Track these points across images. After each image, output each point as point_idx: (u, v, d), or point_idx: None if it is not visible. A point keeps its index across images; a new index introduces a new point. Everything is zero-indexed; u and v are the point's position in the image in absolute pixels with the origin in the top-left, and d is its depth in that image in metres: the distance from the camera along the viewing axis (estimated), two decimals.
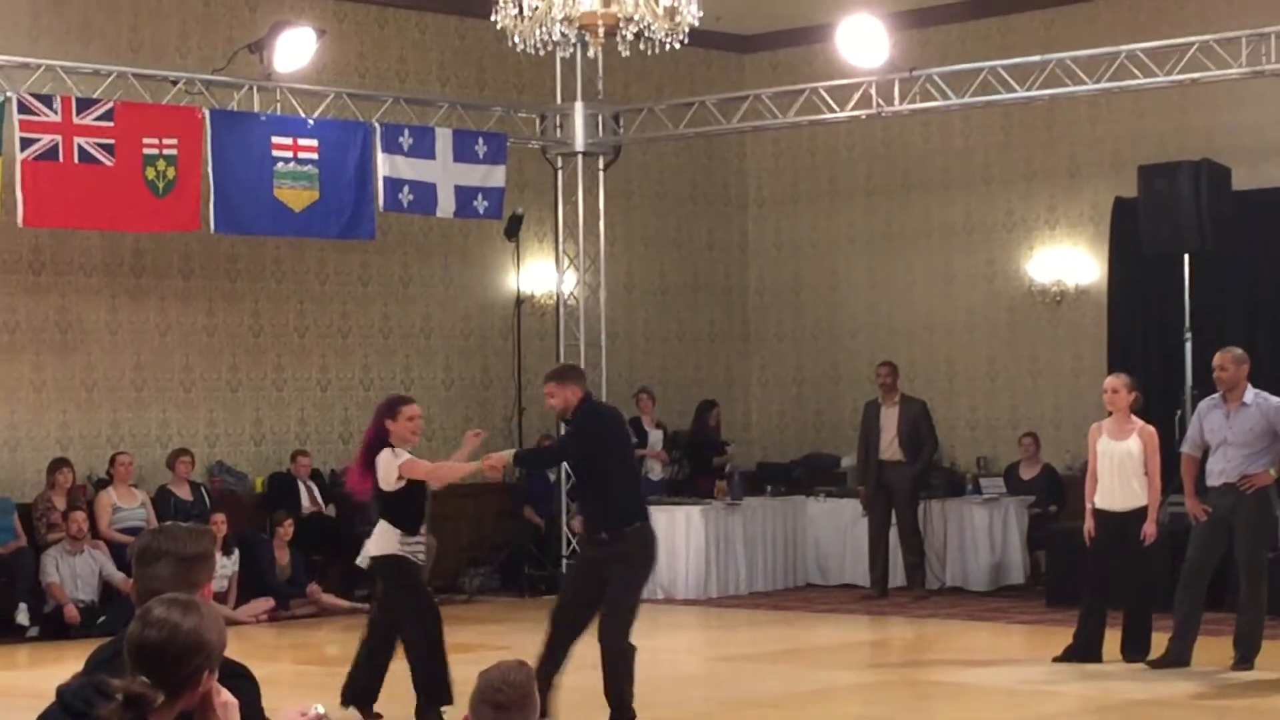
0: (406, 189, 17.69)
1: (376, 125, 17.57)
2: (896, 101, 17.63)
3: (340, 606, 17.56)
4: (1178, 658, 13.24)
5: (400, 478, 11.23)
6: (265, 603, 17.19)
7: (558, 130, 19.31)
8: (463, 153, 18.06)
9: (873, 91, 17.69)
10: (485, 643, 14.97)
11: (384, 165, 17.50)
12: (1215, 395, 13.41)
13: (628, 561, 11.12)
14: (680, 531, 18.27)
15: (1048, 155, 20.05)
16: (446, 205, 18.02)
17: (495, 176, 18.31)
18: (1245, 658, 13.12)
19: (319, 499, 18.39)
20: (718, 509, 18.54)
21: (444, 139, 17.98)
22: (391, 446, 11.28)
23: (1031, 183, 20.18)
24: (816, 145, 21.58)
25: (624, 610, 11.15)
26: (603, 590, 11.13)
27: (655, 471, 19.75)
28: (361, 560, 11.85)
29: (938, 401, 19.49)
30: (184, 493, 17.49)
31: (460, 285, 20.05)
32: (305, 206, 17.08)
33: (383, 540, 11.36)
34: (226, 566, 16.88)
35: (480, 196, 18.22)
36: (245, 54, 16.95)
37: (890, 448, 18.13)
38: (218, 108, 16.69)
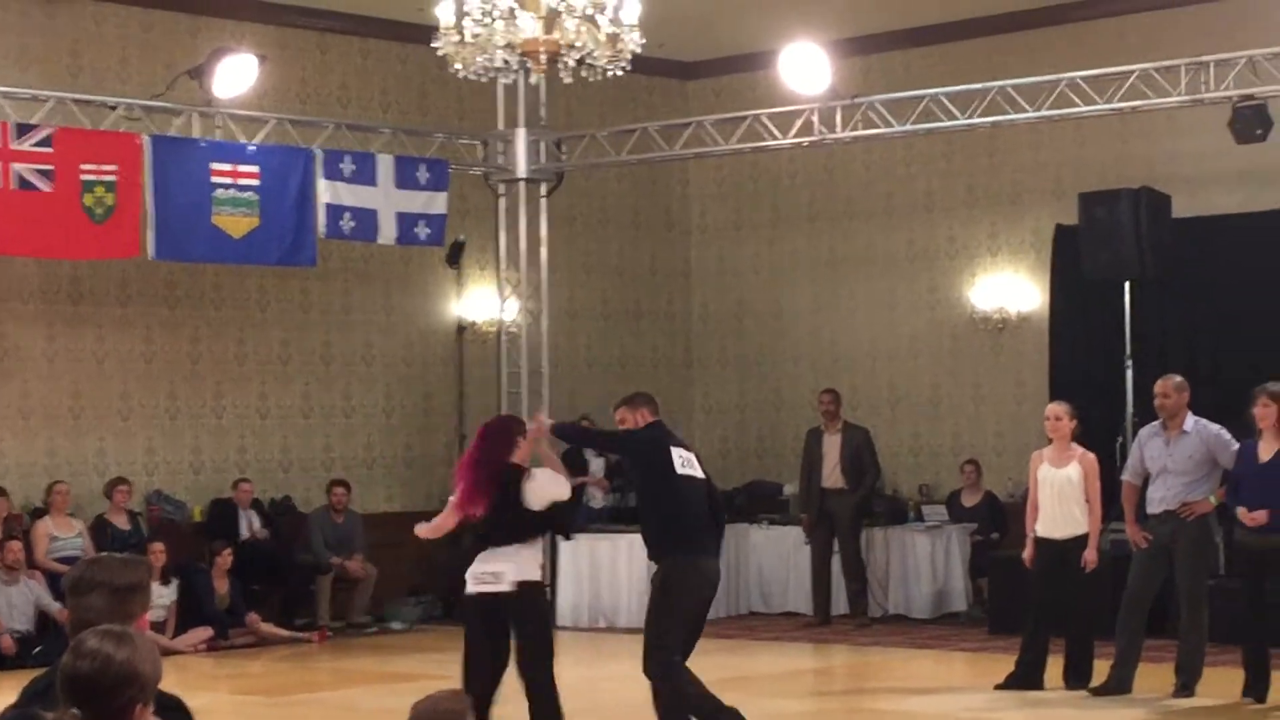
0: (348, 215, 17.62)
1: (318, 151, 17.50)
2: (839, 129, 17.66)
3: (280, 636, 17.45)
4: (1119, 685, 13.25)
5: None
6: (204, 632, 17.05)
7: (500, 156, 19.28)
8: (404, 179, 18.00)
9: (815, 119, 17.71)
10: (427, 672, 14.89)
11: (325, 192, 17.43)
12: (1156, 423, 13.45)
13: (652, 593, 11.00)
14: (622, 559, 18.23)
15: (989, 182, 20.11)
16: (388, 232, 17.96)
17: (437, 203, 18.25)
18: (1186, 685, 13.13)
19: (259, 527, 18.28)
20: None
21: (386, 165, 17.93)
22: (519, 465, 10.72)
23: (973, 210, 20.24)
24: (759, 172, 21.60)
25: (645, 641, 10.90)
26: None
27: (596, 499, 19.69)
28: (496, 586, 10.63)
29: (880, 428, 19.51)
30: (122, 522, 17.35)
31: (402, 312, 19.98)
32: (245, 233, 16.99)
33: (527, 564, 10.65)
34: (165, 596, 16.75)
35: (422, 223, 18.16)
36: (185, 80, 16.85)
37: (833, 475, 18.13)
38: (157, 134, 16.60)
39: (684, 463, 10.92)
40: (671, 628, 10.80)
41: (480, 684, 10.46)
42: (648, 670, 10.80)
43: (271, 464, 19.03)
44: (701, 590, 10.91)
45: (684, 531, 10.88)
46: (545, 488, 10.65)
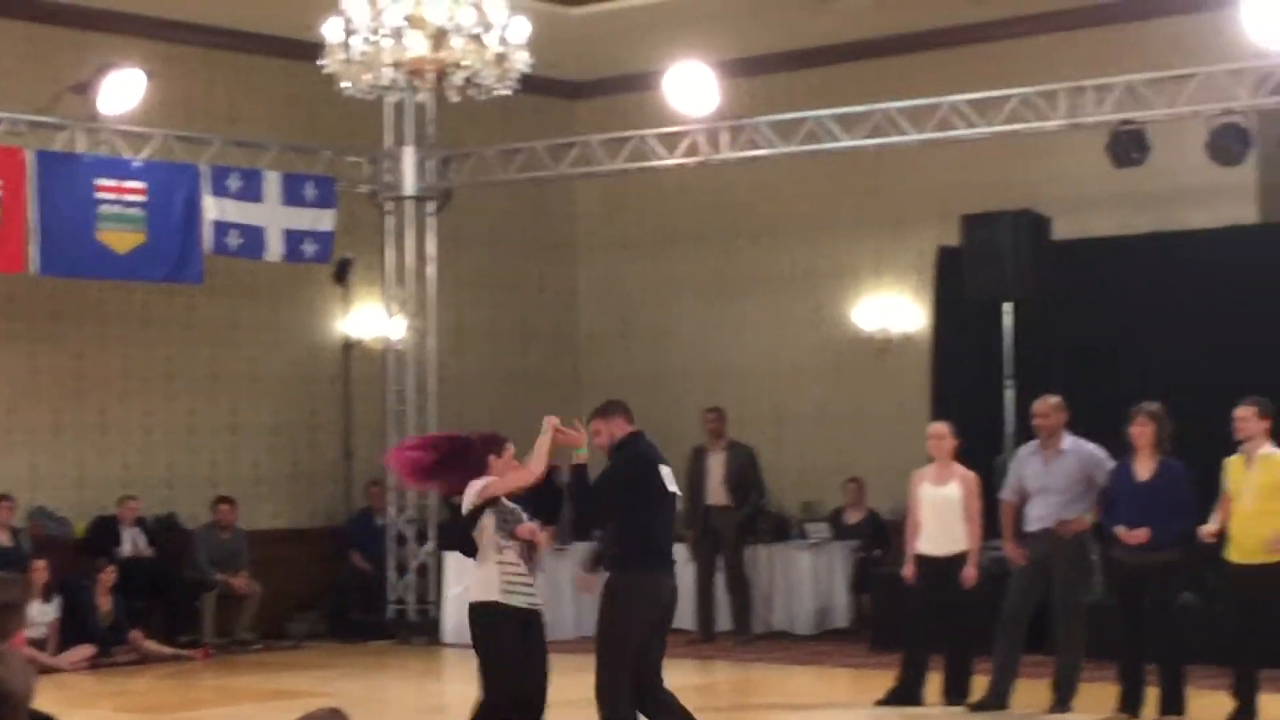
0: (234, 232, 17.60)
1: (204, 168, 17.47)
2: (725, 149, 17.81)
3: (163, 653, 17.36)
4: (997, 700, 13.42)
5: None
6: (86, 650, 16.94)
7: (387, 174, 19.30)
8: (291, 196, 18.00)
9: (701, 139, 17.85)
10: (312, 690, 14.89)
11: (212, 208, 17.41)
12: (1034, 442, 13.64)
13: (607, 610, 10.40)
14: None
15: (874, 204, 20.30)
16: (275, 249, 17.95)
17: (324, 220, 18.26)
18: (1063, 700, 13.32)
19: (143, 544, 18.19)
20: (545, 555, 18.47)
21: (272, 182, 17.92)
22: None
23: (858, 230, 20.41)
24: (646, 192, 21.68)
25: (598, 682, 10.29)
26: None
27: None
28: (530, 602, 10.41)
29: (765, 447, 19.63)
30: (3, 538, 17.22)
31: (288, 329, 19.93)
32: (131, 249, 16.94)
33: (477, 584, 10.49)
34: (47, 613, 16.65)
35: (309, 240, 18.17)
36: (71, 95, 16.78)
37: (717, 492, 18.24)
38: (42, 149, 16.52)
39: (669, 479, 10.83)
40: (625, 659, 10.24)
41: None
42: (605, 708, 10.26)
43: (156, 480, 18.94)
44: (661, 598, 10.44)
45: (657, 547, 10.54)
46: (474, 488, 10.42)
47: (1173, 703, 12.91)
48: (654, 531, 10.53)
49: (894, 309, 20.09)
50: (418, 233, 19.27)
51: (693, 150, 17.97)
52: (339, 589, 19.41)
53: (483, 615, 10.39)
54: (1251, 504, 12.48)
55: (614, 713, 10.23)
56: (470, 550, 10.44)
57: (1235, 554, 12.62)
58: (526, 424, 22.03)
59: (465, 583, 10.37)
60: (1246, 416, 12.61)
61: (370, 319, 20.04)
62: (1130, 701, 13.02)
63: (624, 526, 10.54)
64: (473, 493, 10.43)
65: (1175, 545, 12.91)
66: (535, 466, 10.47)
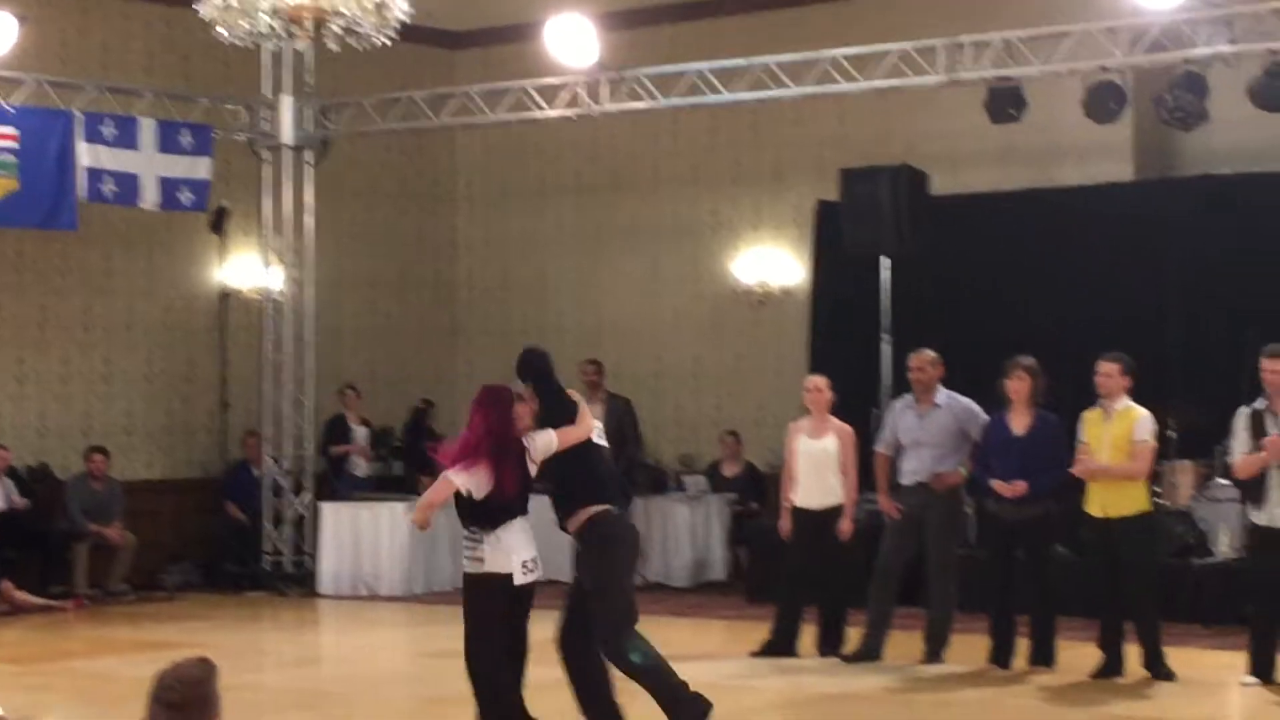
0: (109, 179, 17.41)
1: (78, 114, 17.25)
2: (604, 101, 17.77)
3: (34, 604, 17.20)
4: (870, 652, 13.53)
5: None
6: None
7: (265, 123, 19.14)
8: (167, 144, 17.82)
9: (581, 91, 17.81)
10: (185, 640, 14.79)
11: (86, 155, 17.20)
12: (908, 395, 13.74)
13: (597, 556, 10.33)
14: (385, 528, 18.22)
15: (753, 158, 20.35)
16: (150, 196, 17.77)
17: (200, 168, 18.09)
18: (935, 652, 13.45)
19: (15, 495, 18.00)
20: None
21: (148, 129, 17.73)
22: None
23: (737, 184, 20.46)
24: (526, 143, 21.64)
25: (604, 617, 10.20)
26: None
27: (361, 468, 19.67)
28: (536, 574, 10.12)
29: (643, 399, 19.66)
30: None
31: (164, 278, 19.76)
32: (3, 195, 16.73)
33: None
34: None
35: (185, 188, 18.00)
36: None
37: None
38: None
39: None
40: (628, 591, 10.22)
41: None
42: (608, 651, 10.18)
43: (28, 430, 18.74)
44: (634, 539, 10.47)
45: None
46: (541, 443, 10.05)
47: (1043, 655, 13.08)
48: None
49: (772, 262, 20.16)
50: (295, 182, 19.13)
51: (573, 102, 17.93)
52: (214, 540, 19.31)
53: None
54: (1108, 457, 12.62)
55: (623, 618, 10.13)
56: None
57: (1094, 508, 12.76)
58: (405, 375, 22.09)
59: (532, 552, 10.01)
60: (1110, 373, 12.74)
61: (247, 269, 19.89)
62: (1001, 653, 13.17)
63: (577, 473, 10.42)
64: (545, 446, 10.05)
65: (1049, 498, 13.06)
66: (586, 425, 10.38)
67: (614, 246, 21.25)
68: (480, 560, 9.81)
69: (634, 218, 21.11)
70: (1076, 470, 12.72)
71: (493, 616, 9.88)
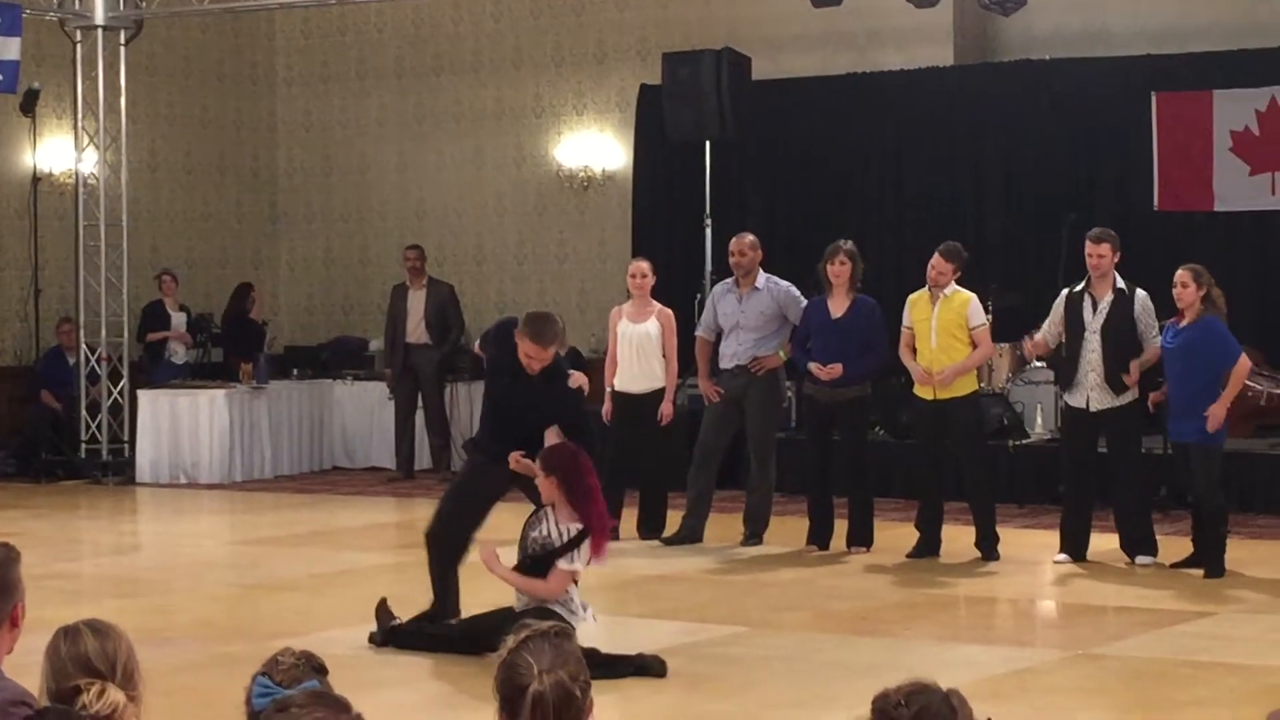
0: None
1: None
2: None
3: None
4: (691, 534, 13.63)
5: None
6: None
7: (77, 3, 18.71)
8: None
9: None
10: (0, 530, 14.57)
11: None
12: (729, 279, 13.77)
13: None
14: (204, 415, 18.06)
15: (576, 41, 20.21)
16: None
17: (9, 49, 17.62)
18: (755, 533, 13.57)
19: None
20: (242, 393, 18.33)
21: None
22: None
23: (560, 68, 20.32)
24: (346, 25, 21.34)
25: None
26: None
27: (179, 355, 19.43)
28: None
29: (466, 285, 19.59)
30: None
31: None
32: None
33: None
34: None
35: None
36: None
37: (417, 331, 18.14)
38: None
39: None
40: None
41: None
42: None
43: None
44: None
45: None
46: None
47: (861, 535, 13.24)
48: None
49: (596, 147, 20.07)
50: (108, 64, 18.74)
51: None
52: (29, 428, 19.00)
53: None
54: (936, 340, 12.74)
55: None
56: None
57: (925, 390, 12.90)
58: (224, 260, 21.79)
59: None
60: (944, 270, 12.80)
61: (60, 152, 19.48)
62: (820, 534, 13.31)
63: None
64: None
65: (866, 381, 13.18)
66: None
67: (436, 131, 21.04)
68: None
69: (456, 102, 20.91)
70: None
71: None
